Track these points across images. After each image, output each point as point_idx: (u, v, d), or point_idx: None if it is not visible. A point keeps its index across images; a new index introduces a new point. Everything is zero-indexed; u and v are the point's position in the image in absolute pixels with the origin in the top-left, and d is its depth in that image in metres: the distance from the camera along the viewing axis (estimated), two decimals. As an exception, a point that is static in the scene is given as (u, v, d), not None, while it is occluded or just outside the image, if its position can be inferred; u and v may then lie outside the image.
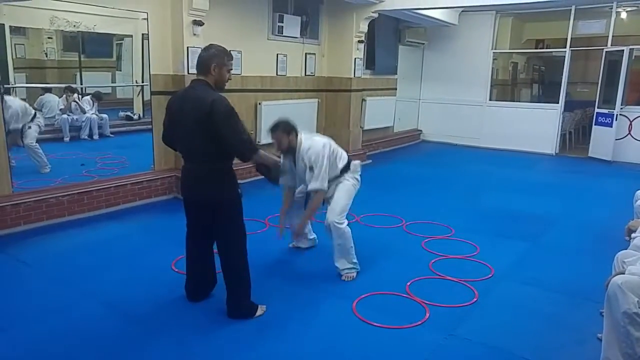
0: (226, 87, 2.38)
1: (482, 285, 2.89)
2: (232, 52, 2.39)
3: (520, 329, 2.45)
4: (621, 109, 6.99)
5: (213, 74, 2.30)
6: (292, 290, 2.81)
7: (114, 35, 8.06)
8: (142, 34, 5.94)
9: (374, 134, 7.69)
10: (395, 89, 8.28)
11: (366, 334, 2.36)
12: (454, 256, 3.37)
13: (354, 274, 2.97)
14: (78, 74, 7.95)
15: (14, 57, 6.99)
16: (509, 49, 8.71)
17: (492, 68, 8.34)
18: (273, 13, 5.80)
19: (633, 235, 2.38)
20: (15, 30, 6.99)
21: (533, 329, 2.45)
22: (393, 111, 8.17)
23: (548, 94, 9.54)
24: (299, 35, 6.14)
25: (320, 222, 3.60)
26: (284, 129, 2.82)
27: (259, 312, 2.48)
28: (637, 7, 7.08)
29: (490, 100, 8.37)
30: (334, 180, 2.95)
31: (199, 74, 2.33)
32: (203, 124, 2.21)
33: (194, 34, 4.57)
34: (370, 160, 6.88)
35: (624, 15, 7.32)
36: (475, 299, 2.72)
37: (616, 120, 7.00)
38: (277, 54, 5.96)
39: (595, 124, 7.38)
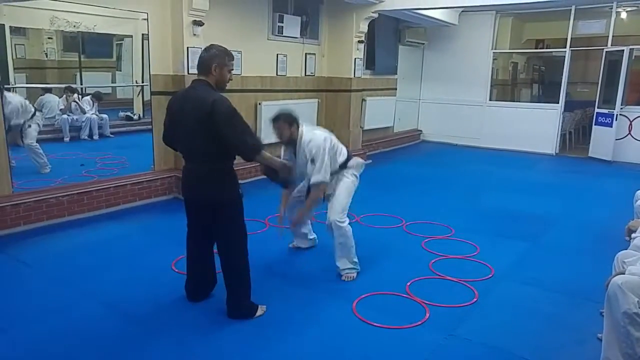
0: (227, 87, 2.38)
1: (482, 286, 2.89)
2: (232, 52, 2.39)
3: (521, 329, 2.45)
4: (621, 109, 6.99)
5: (214, 74, 2.30)
6: (292, 290, 2.81)
7: (114, 35, 8.07)
8: (142, 34, 5.96)
9: (374, 134, 7.69)
10: (395, 89, 8.28)
11: (366, 334, 2.36)
12: (454, 256, 3.37)
13: (354, 274, 2.97)
14: (78, 74, 7.96)
15: (14, 57, 7.00)
16: (509, 49, 8.71)
17: (492, 68, 8.34)
18: (273, 13, 5.80)
19: (633, 235, 2.38)
20: (16, 30, 7.00)
21: (533, 329, 2.45)
22: (393, 111, 8.17)
23: (548, 94, 9.54)
24: (299, 36, 6.14)
25: (320, 222, 3.60)
26: (286, 120, 2.81)
27: (259, 312, 2.48)
28: (637, 7, 7.08)
29: (490, 100, 8.37)
30: (334, 175, 2.93)
31: (200, 74, 2.33)
32: (204, 124, 2.21)
33: (194, 34, 4.57)
34: (370, 161, 6.87)
35: (624, 15, 7.32)
36: (475, 299, 2.72)
37: (616, 120, 7.00)
38: (277, 54, 5.96)
39: (595, 124, 7.38)
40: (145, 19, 4.54)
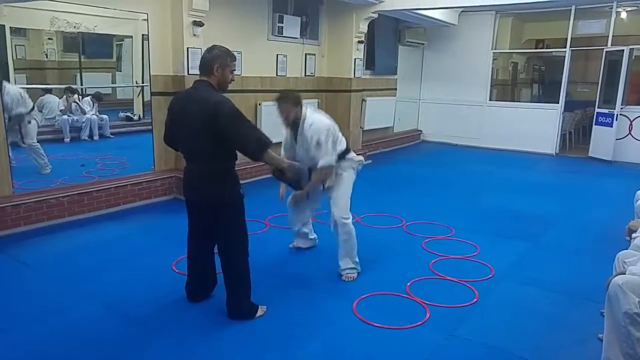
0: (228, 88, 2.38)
1: (482, 286, 2.89)
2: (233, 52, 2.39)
3: (521, 329, 2.45)
4: (621, 108, 6.99)
5: (216, 75, 2.30)
6: (292, 290, 2.81)
7: (114, 36, 8.07)
8: (142, 35, 5.96)
9: (374, 134, 7.70)
10: (395, 89, 8.28)
11: (366, 334, 2.36)
12: (454, 256, 3.37)
13: (355, 275, 2.97)
14: (78, 74, 7.97)
15: (15, 58, 7.01)
16: (509, 49, 8.71)
17: (492, 68, 8.34)
18: (273, 13, 5.80)
19: (634, 235, 2.37)
20: (16, 31, 7.01)
21: (533, 329, 2.45)
22: (393, 111, 8.17)
23: (548, 94, 9.54)
24: (298, 36, 6.14)
25: (320, 222, 3.60)
26: (294, 101, 2.79)
27: (259, 313, 2.48)
28: (637, 7, 7.08)
29: (490, 100, 8.37)
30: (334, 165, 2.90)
31: (202, 74, 2.33)
32: (206, 125, 2.21)
33: (194, 35, 4.57)
34: (371, 161, 6.87)
35: (624, 15, 7.32)
36: (475, 299, 2.72)
37: (616, 120, 6.99)
38: (277, 55, 5.96)
39: (595, 124, 7.38)
40: (145, 20, 4.54)
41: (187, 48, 4.54)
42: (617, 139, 7.10)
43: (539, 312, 2.62)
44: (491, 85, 8.36)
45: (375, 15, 6.52)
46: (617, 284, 1.84)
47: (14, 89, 4.95)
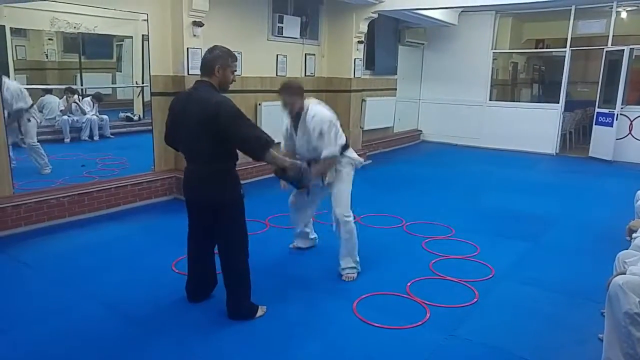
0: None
1: (482, 286, 2.89)
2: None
3: (521, 329, 2.45)
4: (622, 108, 6.99)
5: (217, 75, 2.30)
6: (292, 290, 2.81)
7: (114, 36, 8.08)
8: (142, 35, 5.96)
9: (373, 134, 7.69)
10: (395, 89, 8.28)
11: (366, 335, 2.36)
12: (455, 256, 3.37)
13: (355, 275, 2.97)
14: (78, 75, 7.98)
15: (15, 58, 7.02)
16: (509, 49, 8.71)
17: (492, 68, 8.34)
18: (273, 14, 5.80)
19: (634, 235, 2.37)
20: (16, 31, 7.02)
21: (534, 329, 2.45)
22: (393, 111, 8.17)
23: (548, 94, 9.54)
24: (298, 36, 6.14)
25: (320, 222, 3.61)
26: (299, 92, 2.78)
27: (259, 313, 2.48)
28: (637, 6, 7.08)
29: (490, 100, 8.36)
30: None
31: (203, 75, 2.34)
32: (207, 126, 2.21)
33: (194, 35, 4.57)
34: (371, 161, 6.87)
35: (624, 14, 7.32)
36: (475, 299, 2.72)
37: (617, 120, 6.99)
38: (277, 55, 5.96)
39: (595, 124, 7.38)
40: (145, 20, 4.54)
41: (187, 48, 4.54)
42: (617, 139, 7.10)
43: (539, 312, 2.62)
44: (491, 85, 8.36)
45: (375, 15, 6.52)
46: (618, 284, 1.84)
47: (14, 84, 4.97)
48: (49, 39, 7.61)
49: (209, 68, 2.30)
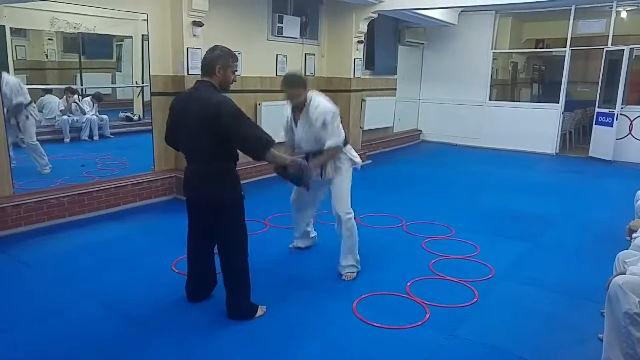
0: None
1: (482, 286, 2.89)
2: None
3: (521, 329, 2.45)
4: (622, 108, 6.99)
5: (218, 76, 2.30)
6: (292, 291, 2.81)
7: (114, 36, 8.08)
8: (142, 35, 5.96)
9: (373, 134, 7.69)
10: (395, 89, 8.28)
11: (366, 335, 2.36)
12: (455, 256, 3.37)
13: (355, 274, 2.97)
14: (78, 75, 7.97)
15: (15, 58, 7.01)
16: (509, 49, 8.71)
17: (492, 68, 8.34)
18: (273, 14, 5.80)
19: (634, 235, 2.37)
20: (16, 32, 7.01)
21: (534, 330, 2.45)
22: (393, 112, 8.17)
23: (548, 94, 9.54)
24: (298, 36, 6.14)
25: (320, 222, 3.60)
26: (304, 84, 2.78)
27: (259, 313, 2.48)
28: (638, 6, 7.08)
29: (490, 100, 8.36)
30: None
31: (204, 75, 2.34)
32: (208, 126, 2.21)
33: (194, 35, 4.57)
34: (370, 161, 6.88)
35: (624, 14, 7.32)
36: (475, 300, 2.72)
37: (617, 120, 6.99)
38: (277, 55, 5.96)
39: (595, 124, 7.38)
40: (145, 20, 4.54)
41: (187, 48, 4.54)
42: (617, 139, 7.10)
43: (539, 313, 2.62)
44: (491, 85, 8.36)
45: (375, 16, 6.52)
46: (618, 284, 1.84)
47: (13, 79, 4.99)
48: (49, 39, 7.61)
49: (209, 68, 2.30)
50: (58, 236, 3.64)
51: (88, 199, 4.06)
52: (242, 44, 5.31)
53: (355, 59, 6.63)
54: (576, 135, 8.50)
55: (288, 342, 2.28)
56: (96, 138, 7.21)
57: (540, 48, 9.84)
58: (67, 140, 6.89)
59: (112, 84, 8.78)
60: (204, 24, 4.60)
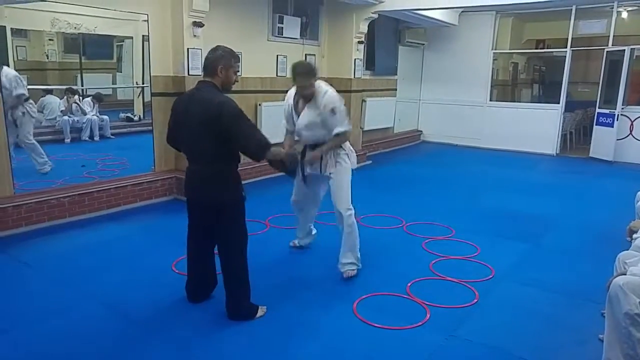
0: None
1: (482, 286, 2.89)
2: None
3: (521, 330, 2.44)
4: (622, 109, 6.99)
5: (220, 76, 2.31)
6: (292, 291, 2.81)
7: (115, 37, 8.08)
8: (143, 36, 5.96)
9: (374, 134, 7.69)
10: (395, 89, 8.28)
11: (367, 335, 2.36)
12: (455, 257, 3.37)
13: (355, 272, 2.97)
14: (79, 75, 7.97)
15: (16, 59, 7.01)
16: (509, 49, 8.71)
17: (493, 68, 8.34)
18: (273, 14, 5.81)
19: (634, 236, 2.37)
20: (17, 32, 7.01)
21: (534, 330, 2.45)
22: (393, 112, 8.17)
23: (549, 94, 9.53)
24: (299, 36, 6.14)
25: (320, 222, 3.60)
26: (314, 72, 2.81)
27: (259, 313, 2.48)
28: (638, 6, 7.07)
29: (490, 100, 8.36)
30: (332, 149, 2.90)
31: (206, 75, 2.34)
32: (209, 126, 2.22)
33: (194, 36, 4.57)
34: (371, 161, 6.88)
35: (624, 15, 7.31)
36: (475, 300, 2.72)
37: (617, 120, 6.99)
38: (277, 55, 5.96)
39: (596, 124, 7.37)
40: (145, 21, 4.55)
41: (188, 49, 4.54)
42: (617, 140, 7.09)
43: (539, 313, 2.62)
44: (491, 86, 8.35)
45: (375, 16, 6.52)
46: (618, 284, 1.84)
47: (13, 72, 5.00)
48: (50, 40, 7.61)
49: (211, 68, 2.31)
50: (58, 236, 3.64)
51: (88, 199, 4.06)
52: (242, 44, 5.31)
53: (355, 59, 6.63)
54: (576, 136, 8.50)
55: (288, 342, 2.28)
56: (96, 138, 7.21)
57: (541, 48, 9.84)
58: (68, 140, 6.89)
59: (113, 84, 8.78)
60: (204, 24, 4.60)
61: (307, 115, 2.86)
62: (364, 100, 7.15)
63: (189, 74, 4.54)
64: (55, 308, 2.55)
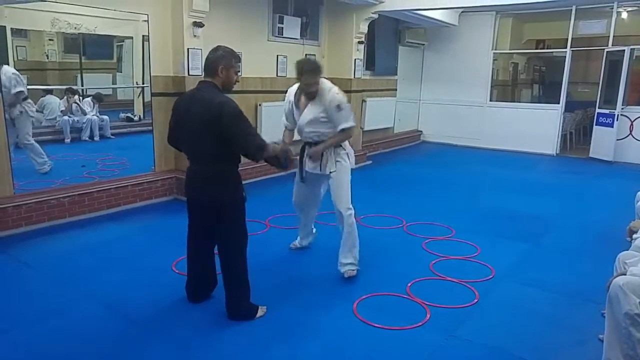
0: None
1: (482, 286, 2.89)
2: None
3: (521, 330, 2.44)
4: (622, 109, 6.99)
5: (220, 76, 2.31)
6: (292, 291, 2.81)
7: (115, 37, 8.07)
8: (143, 36, 5.95)
9: (374, 134, 7.69)
10: (396, 89, 8.28)
11: (367, 335, 2.36)
12: (455, 257, 3.37)
13: (355, 272, 2.97)
14: (79, 75, 7.97)
15: (16, 59, 7.00)
16: (509, 50, 8.71)
17: (493, 68, 8.34)
18: (273, 14, 5.81)
19: (634, 236, 2.37)
20: (17, 32, 7.01)
21: (534, 330, 2.45)
22: (393, 112, 8.17)
23: (549, 95, 9.54)
24: (299, 37, 6.14)
25: (319, 223, 3.61)
26: (320, 69, 2.82)
27: (259, 313, 2.48)
28: (638, 7, 7.08)
29: (490, 100, 8.36)
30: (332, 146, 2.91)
31: (206, 75, 2.34)
32: (210, 126, 2.22)
33: (194, 36, 4.57)
34: (371, 161, 6.88)
35: (624, 15, 7.32)
36: (475, 300, 2.72)
37: (617, 120, 6.99)
38: (277, 55, 5.96)
39: (596, 124, 7.38)
40: (145, 21, 4.55)
41: (188, 49, 4.54)
42: (617, 140, 7.10)
43: (539, 313, 2.62)
44: (491, 86, 8.36)
45: (376, 16, 6.52)
46: (618, 284, 1.84)
47: (11, 69, 4.99)
48: (50, 40, 7.61)
49: (212, 68, 2.31)
50: (58, 236, 3.64)
51: (88, 199, 4.06)
52: (242, 45, 5.30)
53: (355, 60, 6.63)
54: (576, 136, 8.50)
55: (288, 343, 2.28)
56: (96, 138, 7.20)
57: (541, 48, 9.84)
58: (68, 140, 6.89)
59: (113, 84, 8.78)
60: (204, 25, 4.60)
61: (310, 112, 2.86)
62: (364, 101, 7.15)
63: (189, 74, 4.54)
64: (55, 308, 2.55)
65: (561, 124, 7.74)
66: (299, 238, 3.41)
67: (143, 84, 7.51)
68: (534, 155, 7.69)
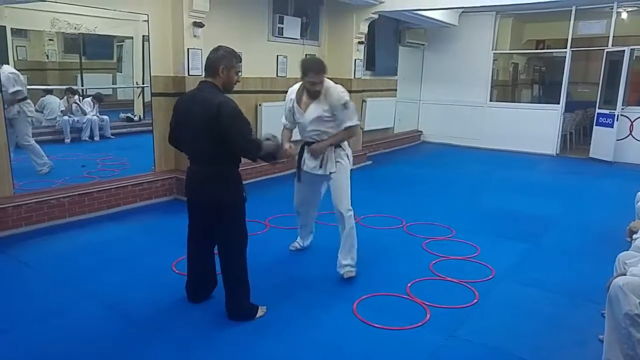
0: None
1: (482, 286, 2.89)
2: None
3: (521, 330, 2.44)
4: (622, 109, 6.99)
5: (221, 76, 2.31)
6: (292, 291, 2.81)
7: (115, 37, 8.08)
8: (143, 36, 5.96)
9: (374, 135, 7.69)
10: (396, 90, 8.29)
11: (367, 335, 2.36)
12: (455, 257, 3.37)
13: (354, 272, 2.96)
14: (79, 75, 7.97)
15: (16, 59, 7.01)
16: (509, 50, 8.72)
17: (493, 69, 8.34)
18: (273, 14, 5.81)
19: (634, 236, 2.37)
20: (17, 32, 7.01)
21: (534, 330, 2.45)
22: (393, 112, 8.18)
23: (549, 95, 9.54)
24: (299, 37, 6.14)
25: (319, 223, 3.61)
26: (325, 67, 2.82)
27: (259, 314, 2.48)
28: (638, 7, 7.08)
29: (490, 101, 8.37)
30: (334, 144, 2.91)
31: (207, 75, 2.34)
32: (209, 126, 2.22)
33: (195, 36, 4.57)
34: (371, 162, 6.88)
35: (624, 15, 7.32)
36: (475, 300, 2.72)
37: (617, 120, 6.99)
38: (277, 55, 5.96)
39: (596, 125, 7.38)
40: (145, 21, 4.55)
41: (188, 49, 4.54)
42: (617, 140, 7.10)
43: (539, 313, 2.62)
44: (491, 86, 8.36)
45: (376, 16, 6.52)
46: (618, 285, 1.84)
47: (10, 68, 4.99)
48: (50, 40, 7.61)
49: (212, 69, 2.31)
50: (58, 236, 3.64)
51: (88, 199, 4.06)
52: (242, 45, 5.28)
53: (355, 60, 6.63)
54: (576, 136, 8.50)
55: (288, 343, 2.28)
56: (96, 138, 7.21)
57: (541, 49, 9.84)
58: (68, 140, 6.89)
59: (113, 84, 8.78)
60: (204, 25, 4.61)
61: (314, 110, 2.86)
62: (364, 101, 7.15)
63: (189, 74, 4.53)
64: (55, 308, 2.55)
65: (561, 124, 7.74)
66: (298, 238, 3.41)
67: (143, 84, 7.51)
68: (534, 156, 7.69)
